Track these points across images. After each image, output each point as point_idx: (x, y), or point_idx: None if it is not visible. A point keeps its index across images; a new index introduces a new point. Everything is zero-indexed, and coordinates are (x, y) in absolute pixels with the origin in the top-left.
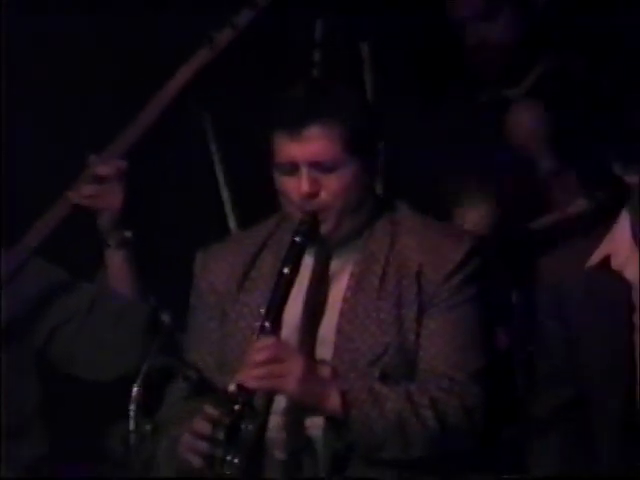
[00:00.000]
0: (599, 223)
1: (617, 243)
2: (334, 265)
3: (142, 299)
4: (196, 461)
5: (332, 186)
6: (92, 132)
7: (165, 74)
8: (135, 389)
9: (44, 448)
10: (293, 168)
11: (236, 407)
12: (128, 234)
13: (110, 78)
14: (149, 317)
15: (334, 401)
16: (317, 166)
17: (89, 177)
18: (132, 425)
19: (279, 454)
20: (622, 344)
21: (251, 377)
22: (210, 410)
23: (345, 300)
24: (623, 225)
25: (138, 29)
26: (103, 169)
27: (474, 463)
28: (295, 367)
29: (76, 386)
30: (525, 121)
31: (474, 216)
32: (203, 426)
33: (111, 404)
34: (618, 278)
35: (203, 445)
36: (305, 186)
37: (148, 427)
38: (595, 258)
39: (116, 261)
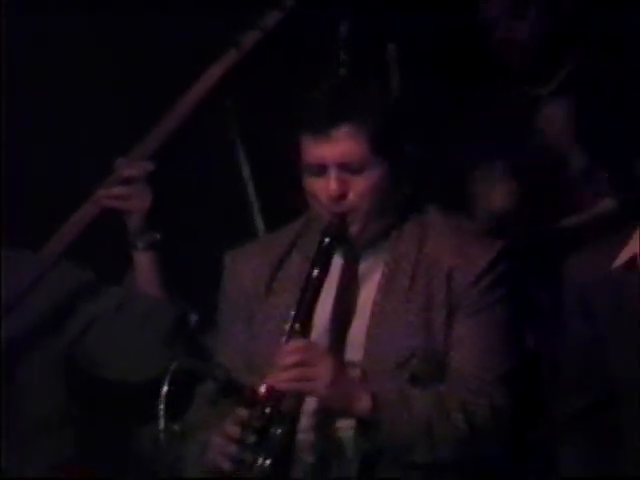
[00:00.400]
0: (627, 223)
1: None
2: (363, 267)
3: (169, 300)
4: (226, 465)
5: (360, 187)
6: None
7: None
8: (164, 389)
9: (70, 449)
10: (321, 169)
11: (266, 410)
12: (156, 236)
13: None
14: (176, 318)
15: (364, 403)
16: (345, 167)
17: (117, 179)
18: (161, 425)
19: (308, 457)
20: None
21: (281, 380)
22: (240, 413)
23: (375, 302)
24: None
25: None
26: (131, 171)
27: (504, 468)
28: (325, 370)
29: (106, 389)
30: (557, 118)
31: (494, 197)
32: (233, 429)
33: (140, 406)
34: None
35: (233, 448)
36: (334, 187)
37: (177, 427)
38: (622, 258)
39: (144, 263)
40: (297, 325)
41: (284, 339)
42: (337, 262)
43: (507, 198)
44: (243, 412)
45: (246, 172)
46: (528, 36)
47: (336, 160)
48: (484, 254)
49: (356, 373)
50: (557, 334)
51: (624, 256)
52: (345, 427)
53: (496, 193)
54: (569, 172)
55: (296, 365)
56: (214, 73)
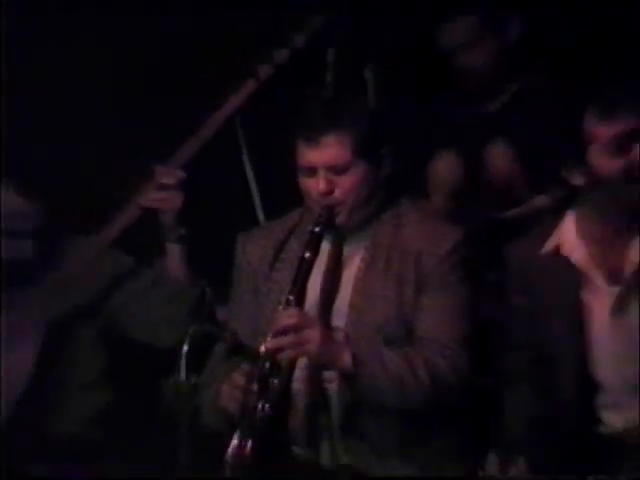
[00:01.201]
0: (555, 216)
1: (565, 234)
2: (347, 250)
3: (192, 280)
4: (233, 407)
5: (344, 185)
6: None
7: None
8: (184, 349)
9: (109, 402)
10: (312, 171)
11: (266, 365)
12: (183, 231)
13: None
14: (197, 295)
15: (346, 361)
16: (331, 169)
17: (156, 185)
18: (182, 376)
19: (301, 403)
20: (573, 313)
21: (278, 341)
22: (245, 367)
23: (356, 279)
24: (569, 220)
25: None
26: (167, 179)
27: (462, 412)
28: (314, 332)
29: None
30: (499, 164)
31: (441, 165)
32: (239, 379)
33: (166, 364)
34: (566, 261)
35: (239, 394)
36: (322, 186)
37: (195, 379)
38: (549, 245)
39: (173, 252)
40: (292, 297)
41: (281, 308)
42: (326, 246)
43: (449, 168)
44: (247, 366)
45: (249, 172)
46: (480, 63)
47: (324, 163)
48: (447, 240)
49: (340, 336)
50: (502, 305)
51: (550, 244)
52: (330, 380)
53: (439, 164)
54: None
55: (290, 328)
56: (235, 100)
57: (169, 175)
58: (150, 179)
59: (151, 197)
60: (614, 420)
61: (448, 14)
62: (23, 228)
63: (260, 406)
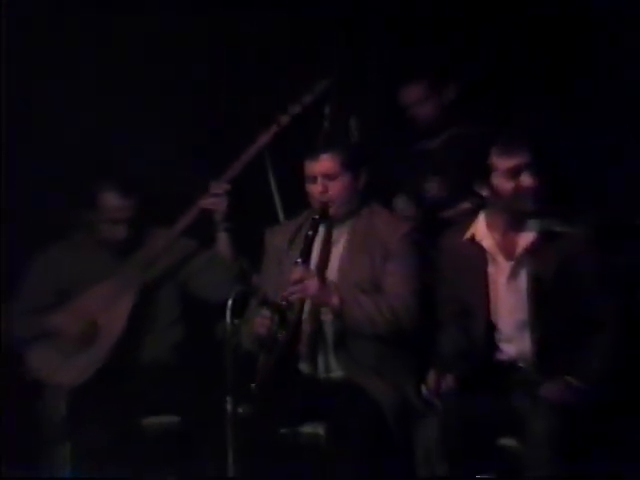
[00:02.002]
0: (472, 216)
1: (478, 227)
2: (336, 233)
3: (235, 258)
4: (262, 332)
5: (335, 189)
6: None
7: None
8: (229, 302)
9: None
10: (313, 179)
11: (283, 304)
12: (229, 224)
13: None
14: (238, 268)
15: (335, 302)
16: (326, 177)
17: (210, 194)
18: (228, 320)
19: (306, 331)
20: (482, 279)
21: (291, 290)
22: (271, 307)
23: (342, 252)
24: (481, 218)
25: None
26: (217, 190)
27: (414, 341)
28: (313, 282)
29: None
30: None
31: (398, 203)
32: (266, 314)
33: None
34: (479, 246)
35: (267, 323)
36: (319, 189)
37: (237, 322)
38: (468, 235)
39: (222, 239)
40: (300, 261)
41: (294, 268)
42: (322, 230)
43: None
44: (272, 306)
45: (273, 186)
46: (426, 115)
47: (321, 173)
48: (403, 228)
49: (332, 286)
50: (437, 273)
51: (469, 234)
52: (325, 314)
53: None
54: None
55: (299, 280)
56: (264, 138)
57: (219, 188)
58: (207, 190)
59: (207, 202)
60: (509, 350)
61: (406, 81)
62: (119, 218)
63: (279, 333)
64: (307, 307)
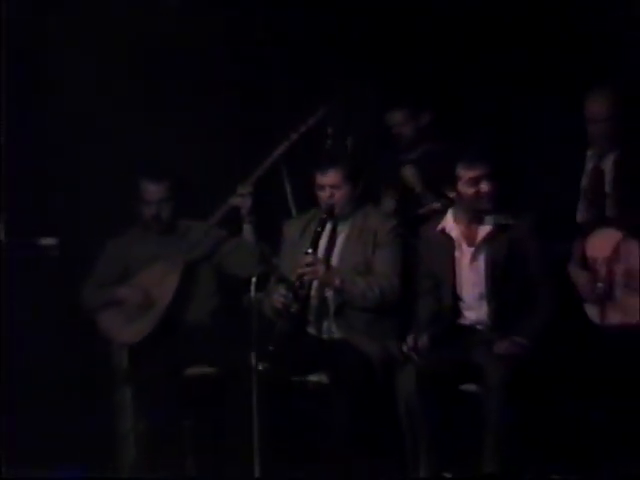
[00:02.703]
0: (443, 213)
1: (447, 222)
2: (338, 229)
3: (258, 244)
4: (279, 304)
5: (339, 195)
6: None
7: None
8: (253, 279)
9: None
10: (322, 188)
11: (296, 284)
12: (253, 218)
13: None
14: (261, 252)
15: (337, 282)
16: (332, 187)
17: (238, 194)
18: (253, 292)
19: (314, 303)
20: (450, 262)
21: (302, 271)
22: (286, 283)
23: (343, 244)
24: (449, 214)
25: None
26: (242, 192)
27: (395, 311)
28: (320, 266)
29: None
30: (411, 180)
31: (385, 203)
32: (282, 290)
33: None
34: (448, 236)
35: (282, 300)
36: (327, 195)
37: (260, 295)
38: (439, 227)
39: (248, 229)
40: (311, 250)
41: (305, 255)
42: (328, 226)
43: (390, 205)
44: (284, 289)
45: (288, 188)
46: (407, 133)
47: (327, 184)
48: (390, 223)
49: (335, 271)
50: (416, 257)
51: (440, 226)
52: (329, 291)
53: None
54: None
55: (308, 264)
56: (280, 149)
57: (245, 189)
58: (235, 191)
59: (235, 200)
60: (470, 315)
61: (392, 108)
62: (151, 199)
63: (293, 306)
64: (315, 285)
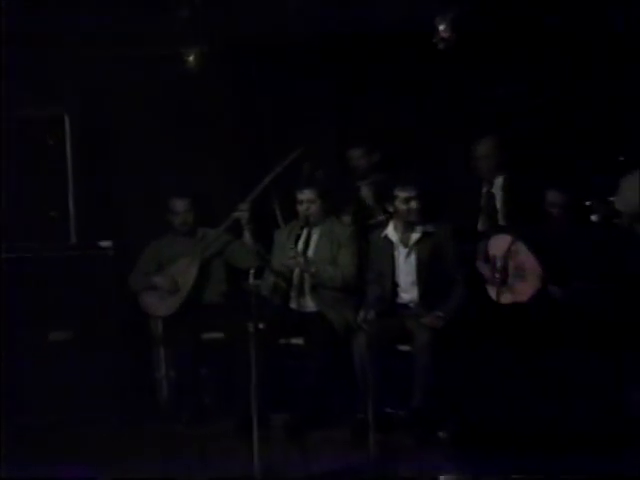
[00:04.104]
0: (387, 222)
1: (389, 229)
2: (313, 232)
3: (255, 244)
4: (271, 283)
5: (313, 209)
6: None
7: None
8: (252, 270)
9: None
10: (301, 203)
11: (282, 271)
12: (251, 226)
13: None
14: (257, 251)
15: (313, 270)
16: (308, 202)
17: (239, 208)
18: (252, 279)
19: (295, 283)
20: (390, 259)
21: (287, 262)
22: (276, 273)
23: (316, 243)
24: (391, 224)
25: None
26: (243, 207)
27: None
28: (301, 259)
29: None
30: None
31: (344, 220)
32: (273, 276)
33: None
34: (390, 240)
35: (272, 279)
36: (305, 208)
37: (257, 282)
38: (383, 233)
39: (247, 234)
40: (293, 247)
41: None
42: (305, 231)
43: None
44: (273, 277)
45: (276, 204)
46: (362, 166)
47: (305, 199)
48: (348, 229)
49: (311, 261)
50: (367, 255)
51: (383, 233)
52: (306, 276)
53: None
54: None
55: (294, 257)
56: (268, 178)
57: (244, 205)
58: (237, 207)
59: (237, 214)
60: (405, 297)
61: (352, 147)
62: (177, 210)
63: (281, 285)
64: (296, 272)
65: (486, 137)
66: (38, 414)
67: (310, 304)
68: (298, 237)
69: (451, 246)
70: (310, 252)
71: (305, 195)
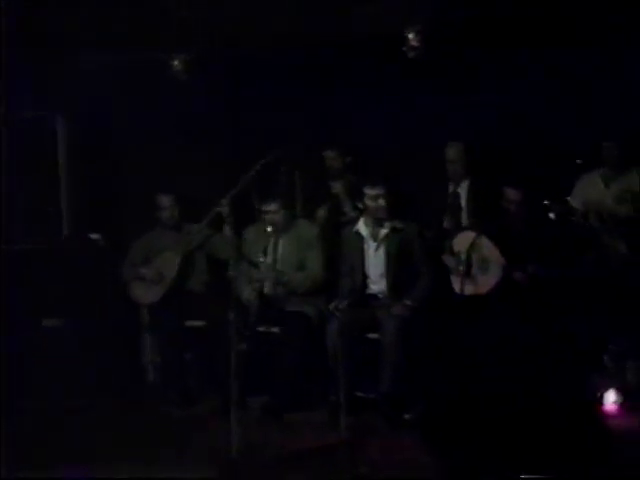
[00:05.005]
0: (357, 220)
1: (360, 225)
2: (280, 238)
3: (235, 238)
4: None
5: (277, 217)
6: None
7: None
8: (231, 262)
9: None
10: (267, 213)
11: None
12: (231, 219)
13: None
14: (236, 244)
15: (284, 279)
16: (272, 212)
17: (220, 204)
18: (230, 270)
19: (268, 286)
20: (361, 253)
21: (259, 276)
22: (251, 263)
23: (284, 246)
24: (361, 220)
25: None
26: (225, 202)
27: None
28: (271, 272)
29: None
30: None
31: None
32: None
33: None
34: (360, 235)
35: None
36: (269, 217)
37: (235, 272)
38: (354, 229)
39: (227, 228)
40: (262, 258)
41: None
42: (273, 238)
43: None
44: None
45: (255, 201)
46: (335, 168)
47: (270, 210)
48: (315, 229)
49: (280, 271)
50: (339, 250)
51: (354, 229)
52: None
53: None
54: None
55: (265, 271)
56: (246, 178)
57: (225, 201)
58: (219, 203)
59: (219, 209)
60: (374, 288)
61: (327, 150)
62: (163, 206)
63: (257, 285)
64: (267, 284)
65: (455, 142)
66: (31, 399)
67: (287, 302)
68: (266, 248)
69: (418, 241)
70: (279, 258)
71: (270, 206)
